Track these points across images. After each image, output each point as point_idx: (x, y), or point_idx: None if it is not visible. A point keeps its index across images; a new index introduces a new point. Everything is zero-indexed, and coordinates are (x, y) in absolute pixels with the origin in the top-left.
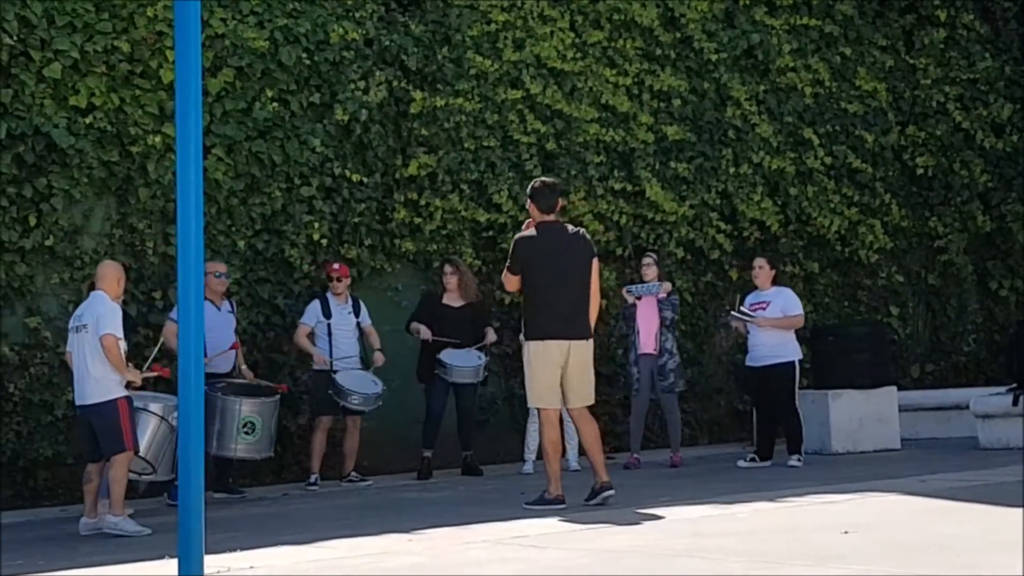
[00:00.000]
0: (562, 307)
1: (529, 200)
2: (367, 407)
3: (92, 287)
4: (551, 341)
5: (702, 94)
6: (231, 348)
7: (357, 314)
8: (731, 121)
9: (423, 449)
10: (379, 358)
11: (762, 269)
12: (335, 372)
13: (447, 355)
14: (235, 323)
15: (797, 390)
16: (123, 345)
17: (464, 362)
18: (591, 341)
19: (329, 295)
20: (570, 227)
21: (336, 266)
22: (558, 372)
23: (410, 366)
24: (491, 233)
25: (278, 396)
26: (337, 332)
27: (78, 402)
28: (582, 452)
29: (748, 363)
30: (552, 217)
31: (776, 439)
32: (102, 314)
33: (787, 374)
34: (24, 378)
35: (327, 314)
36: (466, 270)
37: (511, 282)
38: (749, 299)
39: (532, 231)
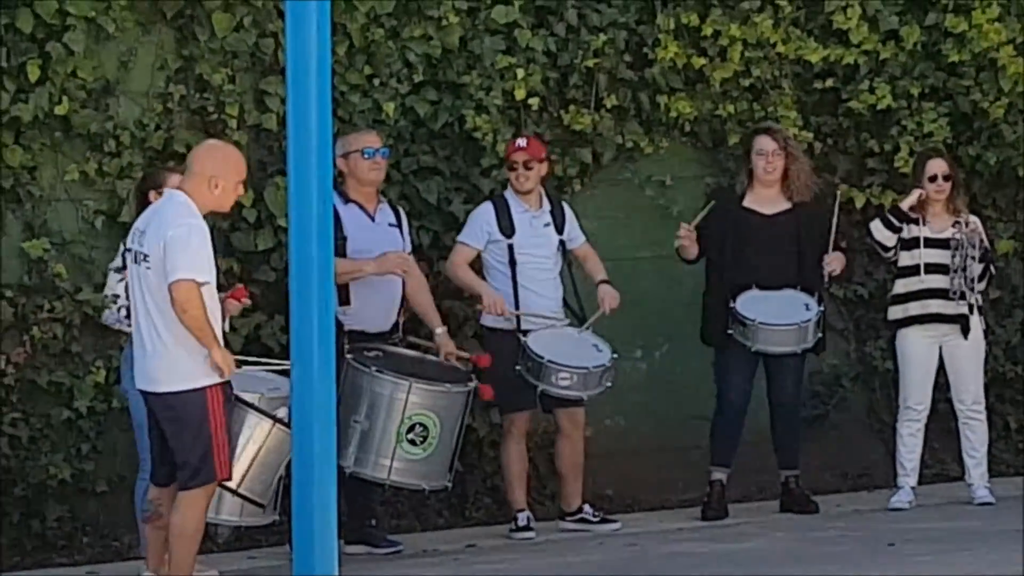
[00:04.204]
0: None
1: None
2: (587, 392)
3: (148, 189)
4: None
5: None
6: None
7: (560, 229)
8: None
9: (711, 468)
10: (609, 297)
11: None
12: (525, 333)
13: (750, 304)
14: (407, 243)
15: None
16: (216, 299)
17: (780, 315)
18: None
19: (509, 196)
20: None
21: (520, 141)
22: None
23: (682, 320)
24: (831, 83)
25: (472, 384)
26: (525, 261)
27: (140, 384)
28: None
29: None
30: None
31: None
32: (176, 239)
33: None
34: (23, 345)
35: (506, 229)
36: (794, 149)
37: None
38: None
39: None
